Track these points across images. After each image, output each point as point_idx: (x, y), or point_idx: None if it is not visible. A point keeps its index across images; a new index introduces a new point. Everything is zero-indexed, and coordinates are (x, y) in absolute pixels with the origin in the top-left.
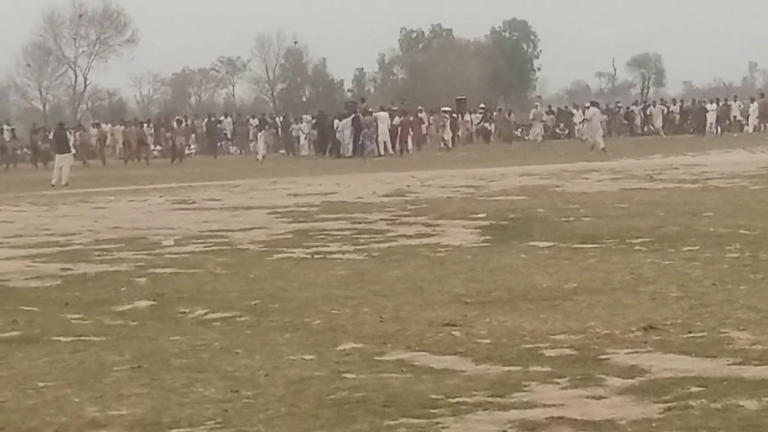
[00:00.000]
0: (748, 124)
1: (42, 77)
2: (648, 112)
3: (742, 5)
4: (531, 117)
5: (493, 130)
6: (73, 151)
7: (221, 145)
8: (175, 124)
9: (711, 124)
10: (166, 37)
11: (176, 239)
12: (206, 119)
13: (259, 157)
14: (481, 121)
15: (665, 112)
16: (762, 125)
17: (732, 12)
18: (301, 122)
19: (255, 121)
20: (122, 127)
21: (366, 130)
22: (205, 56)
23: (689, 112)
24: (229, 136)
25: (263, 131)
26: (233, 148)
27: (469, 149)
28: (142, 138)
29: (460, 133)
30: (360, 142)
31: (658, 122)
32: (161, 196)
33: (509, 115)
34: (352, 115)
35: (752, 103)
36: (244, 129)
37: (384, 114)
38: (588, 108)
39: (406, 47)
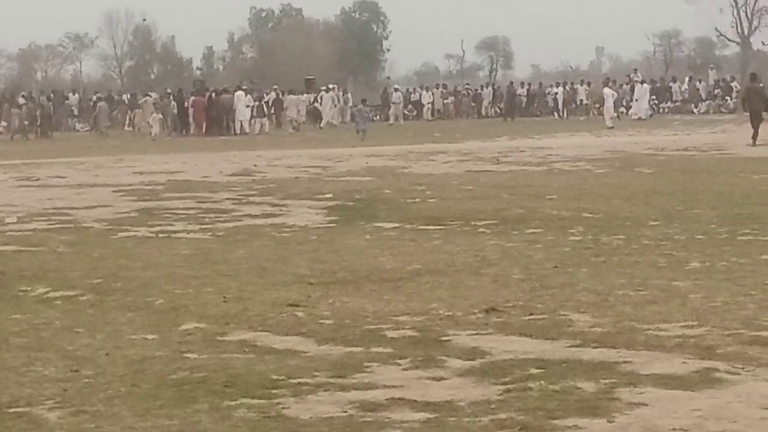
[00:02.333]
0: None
1: None
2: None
3: None
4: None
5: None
6: None
7: (68, 121)
8: (20, 99)
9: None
10: (12, 12)
11: (19, 216)
12: (51, 95)
13: (153, 134)
14: (312, 102)
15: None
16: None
17: None
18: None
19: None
20: None
21: (360, 106)
22: (52, 32)
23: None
24: (76, 112)
25: (158, 110)
26: (80, 125)
27: (312, 129)
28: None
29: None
30: (355, 120)
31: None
32: (5, 173)
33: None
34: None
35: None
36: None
37: (241, 93)
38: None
39: (256, 26)
